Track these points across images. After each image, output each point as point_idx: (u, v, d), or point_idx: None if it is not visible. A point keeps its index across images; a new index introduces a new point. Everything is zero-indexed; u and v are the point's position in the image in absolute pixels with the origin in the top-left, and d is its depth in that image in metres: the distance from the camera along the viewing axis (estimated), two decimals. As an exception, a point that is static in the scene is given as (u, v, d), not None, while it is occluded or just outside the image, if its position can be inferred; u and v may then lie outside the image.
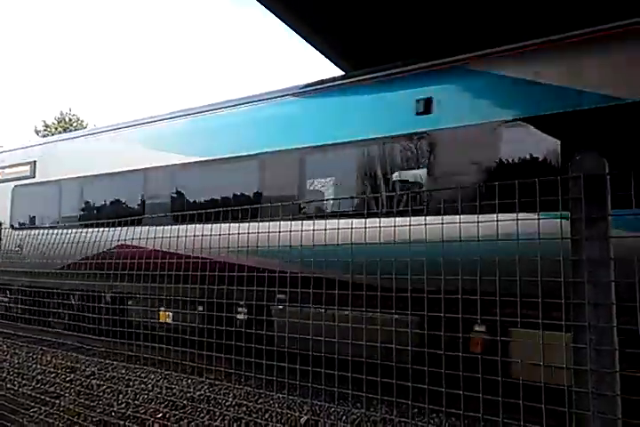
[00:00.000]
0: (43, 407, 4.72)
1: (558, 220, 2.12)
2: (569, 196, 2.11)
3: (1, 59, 61.71)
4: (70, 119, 35.75)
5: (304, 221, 3.11)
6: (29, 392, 5.02)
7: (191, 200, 7.43)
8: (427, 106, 5.42)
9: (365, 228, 2.81)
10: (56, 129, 33.89)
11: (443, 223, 2.48)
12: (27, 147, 10.70)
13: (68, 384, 5.29)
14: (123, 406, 4.85)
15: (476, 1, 5.72)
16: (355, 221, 2.84)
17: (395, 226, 2.72)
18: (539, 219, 2.19)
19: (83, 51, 64.22)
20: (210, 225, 3.54)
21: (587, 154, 2.15)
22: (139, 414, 4.52)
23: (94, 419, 4.48)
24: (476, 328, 4.34)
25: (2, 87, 60.15)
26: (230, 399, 4.74)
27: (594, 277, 2.00)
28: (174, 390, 5.00)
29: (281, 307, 4.55)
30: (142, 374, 5.63)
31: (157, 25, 69.63)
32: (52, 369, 5.70)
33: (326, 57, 7.82)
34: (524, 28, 5.54)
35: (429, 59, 5.63)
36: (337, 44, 7.41)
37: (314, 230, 2.98)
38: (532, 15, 5.72)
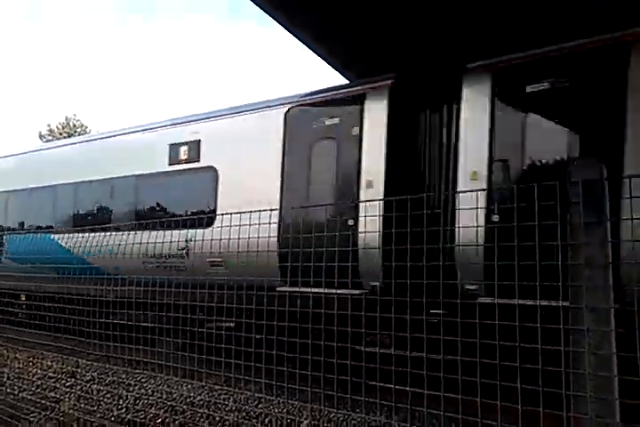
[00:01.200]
0: (42, 412, 4.71)
1: None
2: (568, 201, 2.13)
3: (8, 63, 62.22)
4: (75, 125, 35.91)
5: None
6: (29, 397, 5.01)
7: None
8: None
9: None
10: (60, 134, 34.05)
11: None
12: None
13: (67, 389, 5.28)
14: (123, 410, 4.84)
15: (478, 10, 5.74)
16: None
17: None
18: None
19: (90, 56, 64.60)
20: None
21: (585, 160, 2.17)
22: (138, 419, 4.51)
23: (94, 424, 4.47)
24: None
25: (8, 92, 60.59)
26: (230, 404, 4.72)
27: (592, 281, 2.01)
28: (174, 395, 4.99)
29: None
30: (142, 379, 5.62)
31: (162, 31, 70.10)
32: (52, 374, 5.69)
33: (330, 65, 7.84)
34: (527, 35, 5.56)
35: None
36: (339, 53, 7.42)
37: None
38: (531, 23, 5.73)
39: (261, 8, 5.96)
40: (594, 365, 1.90)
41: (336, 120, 6.44)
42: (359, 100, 6.33)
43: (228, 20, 74.67)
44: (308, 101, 6.85)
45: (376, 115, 6.16)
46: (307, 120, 6.69)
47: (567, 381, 1.99)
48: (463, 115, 5.67)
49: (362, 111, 6.27)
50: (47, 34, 66.29)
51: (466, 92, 5.69)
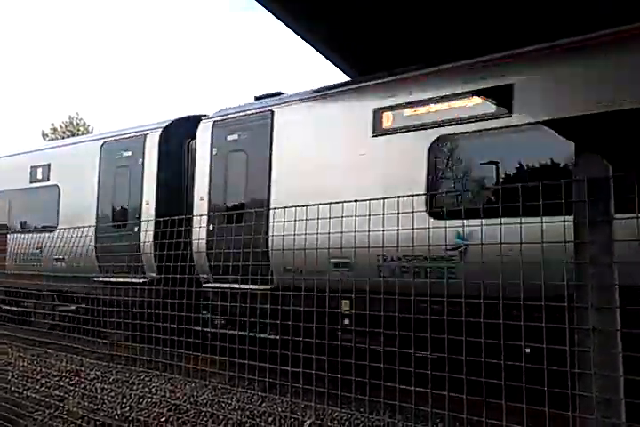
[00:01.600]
0: (47, 410, 4.73)
1: None
2: (572, 199, 2.11)
3: (11, 63, 62.34)
4: (77, 123, 35.94)
5: None
6: (34, 395, 5.02)
7: None
8: None
9: None
10: (64, 133, 34.08)
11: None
12: None
13: (72, 387, 5.29)
14: (126, 409, 4.85)
15: (479, 6, 5.71)
16: None
17: None
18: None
19: (92, 55, 64.69)
20: None
21: (590, 157, 2.15)
22: (142, 418, 4.52)
23: (98, 422, 4.48)
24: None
25: (12, 90, 60.72)
26: (234, 403, 4.73)
27: (597, 280, 1.99)
28: (178, 394, 5.00)
29: None
30: (146, 378, 5.64)
31: (165, 30, 70.06)
32: (56, 372, 5.71)
33: (331, 62, 7.80)
34: (528, 31, 5.53)
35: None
36: (341, 49, 7.40)
37: None
38: (535, 20, 5.70)
39: (267, 8, 5.96)
40: (599, 365, 1.89)
41: (130, 153, 8.74)
42: (143, 138, 8.57)
43: (230, 15, 74.62)
44: (114, 137, 9.23)
45: (151, 150, 8.38)
46: (112, 152, 9.04)
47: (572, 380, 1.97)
48: (197, 153, 7.91)
49: (144, 147, 8.49)
50: (51, 32, 66.42)
51: (198, 138, 7.93)
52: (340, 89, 6.78)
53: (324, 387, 2.92)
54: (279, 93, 7.77)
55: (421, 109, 5.82)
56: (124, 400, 5.07)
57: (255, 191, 7.12)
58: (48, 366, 5.90)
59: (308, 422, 4.22)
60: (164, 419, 4.54)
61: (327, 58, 7.51)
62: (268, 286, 5.19)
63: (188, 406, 4.67)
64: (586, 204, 2.04)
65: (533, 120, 5.13)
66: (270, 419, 4.48)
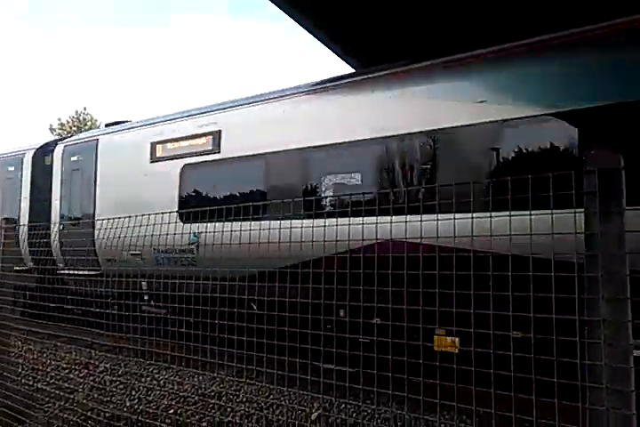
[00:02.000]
0: (57, 402, 4.77)
1: None
2: (583, 190, 2.09)
3: (20, 57, 62.56)
4: (85, 118, 36.06)
5: None
6: (44, 387, 5.07)
7: None
8: None
9: None
10: (70, 128, 34.21)
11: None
12: None
13: (81, 380, 5.34)
14: (135, 401, 4.89)
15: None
16: None
17: None
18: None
19: (101, 51, 64.80)
20: None
21: (601, 148, 2.12)
22: (151, 410, 4.55)
23: (107, 414, 4.52)
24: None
25: (20, 85, 60.95)
26: (241, 395, 4.75)
27: (608, 271, 1.98)
28: (186, 386, 5.03)
29: None
30: (154, 370, 5.67)
31: (170, 26, 70.05)
32: (65, 365, 5.75)
33: (334, 53, 7.75)
34: (529, 24, 5.50)
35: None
36: (343, 39, 7.35)
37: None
38: (538, 12, 5.65)
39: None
40: (610, 356, 1.88)
41: (14, 168, 11.16)
42: (22, 157, 11.02)
43: (236, 14, 74.41)
44: (5, 155, 11.61)
45: (27, 166, 10.81)
46: (3, 166, 11.47)
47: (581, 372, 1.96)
48: (53, 170, 10.10)
49: (22, 164, 10.95)
50: (60, 29, 66.52)
51: (54, 157, 10.17)
52: (134, 125, 9.27)
53: (331, 379, 2.92)
54: (125, 121, 9.92)
55: (176, 144, 8.19)
56: (133, 393, 5.11)
57: (87, 201, 9.38)
58: (58, 358, 5.95)
59: (316, 413, 4.24)
60: (172, 411, 4.58)
61: (328, 47, 7.48)
62: (98, 272, 7.10)
63: (196, 398, 4.71)
64: (597, 195, 2.02)
65: (231, 155, 7.51)
66: (278, 411, 4.50)
